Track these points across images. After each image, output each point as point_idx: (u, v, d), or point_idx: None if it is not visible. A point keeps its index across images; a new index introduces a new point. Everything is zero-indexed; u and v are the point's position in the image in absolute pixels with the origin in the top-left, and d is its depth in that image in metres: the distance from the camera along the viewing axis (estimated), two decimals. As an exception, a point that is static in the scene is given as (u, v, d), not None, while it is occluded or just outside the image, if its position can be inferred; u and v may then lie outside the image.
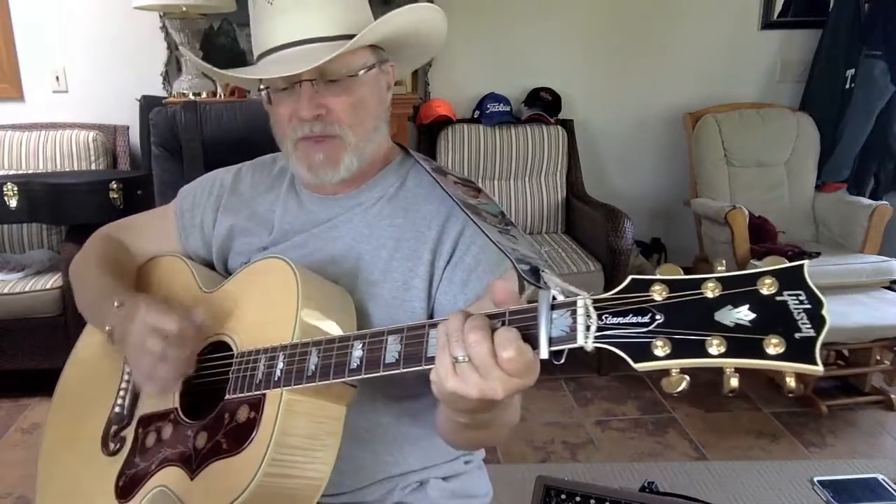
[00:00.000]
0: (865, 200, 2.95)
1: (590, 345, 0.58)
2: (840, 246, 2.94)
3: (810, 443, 2.31)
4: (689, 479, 2.08)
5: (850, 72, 3.12)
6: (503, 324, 0.64)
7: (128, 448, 0.92)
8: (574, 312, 0.60)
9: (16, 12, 3.05)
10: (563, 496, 1.42)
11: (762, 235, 2.79)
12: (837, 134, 3.16)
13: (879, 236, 2.79)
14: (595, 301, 0.59)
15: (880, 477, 2.06)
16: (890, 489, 2.00)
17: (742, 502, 1.99)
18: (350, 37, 0.88)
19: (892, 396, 2.53)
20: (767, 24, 3.39)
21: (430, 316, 0.93)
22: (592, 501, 1.41)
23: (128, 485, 0.89)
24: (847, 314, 2.33)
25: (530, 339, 0.62)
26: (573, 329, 0.59)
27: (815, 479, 2.05)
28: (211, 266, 1.09)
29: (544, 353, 0.61)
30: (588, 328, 0.58)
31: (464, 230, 0.93)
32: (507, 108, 3.21)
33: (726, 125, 3.14)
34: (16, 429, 2.43)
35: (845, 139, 3.15)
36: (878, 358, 2.55)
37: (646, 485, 1.66)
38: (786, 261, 0.53)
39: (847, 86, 3.14)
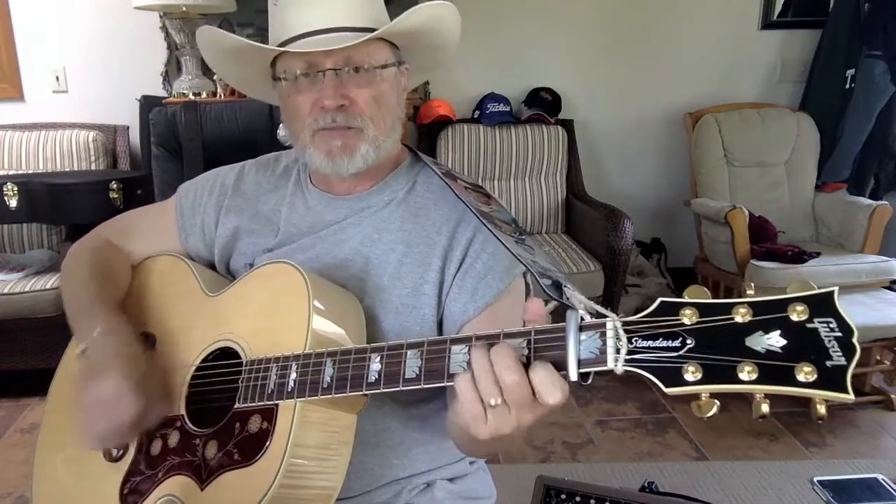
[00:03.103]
0: (865, 200, 2.94)
1: (620, 368, 0.58)
2: (840, 246, 2.94)
3: (810, 443, 2.31)
4: (689, 479, 2.08)
5: (850, 72, 3.12)
6: (528, 343, 0.63)
7: (131, 455, 0.90)
8: (603, 335, 0.59)
9: (16, 12, 3.05)
10: (563, 496, 1.42)
11: (762, 235, 2.79)
12: (837, 134, 3.16)
13: (879, 236, 2.79)
14: (625, 323, 0.58)
15: (880, 477, 2.06)
16: (890, 489, 2.00)
17: (742, 502, 1.99)
18: (373, 30, 0.88)
19: (892, 396, 2.53)
20: (767, 24, 3.39)
21: (440, 323, 0.92)
22: (592, 501, 1.41)
23: (133, 493, 0.87)
24: (847, 314, 2.32)
25: (558, 360, 0.61)
26: (603, 352, 0.59)
27: (815, 479, 2.05)
28: (211, 266, 1.07)
29: (573, 376, 0.60)
30: (618, 351, 0.58)
31: (474, 237, 0.92)
32: (507, 108, 3.20)
33: (726, 125, 3.14)
34: (16, 429, 2.43)
35: (845, 139, 3.15)
36: (878, 358, 2.55)
37: (646, 485, 1.67)
38: (814, 286, 0.53)
39: (847, 86, 3.14)
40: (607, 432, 2.40)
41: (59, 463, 0.99)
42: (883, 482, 2.04)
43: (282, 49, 0.90)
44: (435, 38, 0.96)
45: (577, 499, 1.41)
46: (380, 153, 0.93)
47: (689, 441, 2.33)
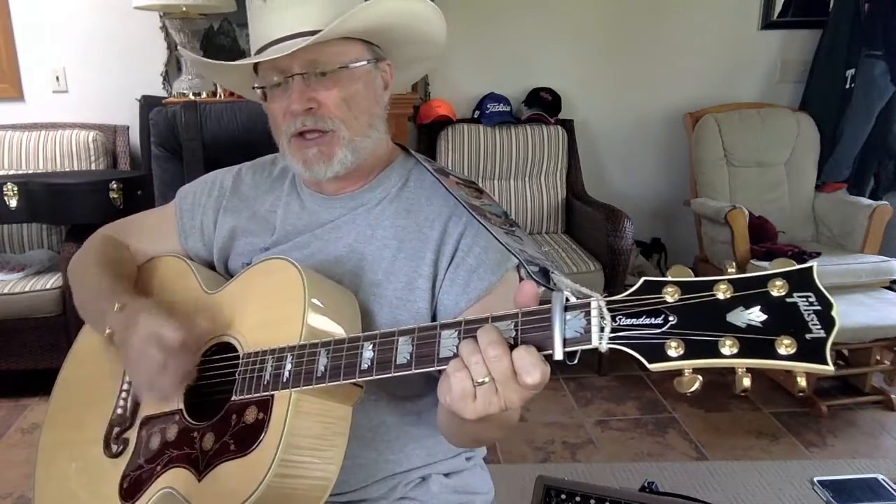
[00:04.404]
0: (865, 200, 2.94)
1: (604, 346, 0.59)
2: (840, 246, 2.94)
3: (810, 443, 2.31)
4: (689, 479, 2.08)
5: (850, 72, 3.12)
6: (516, 325, 0.64)
7: (131, 450, 0.92)
8: (588, 314, 0.60)
9: (16, 12, 3.05)
10: (563, 496, 1.42)
11: (762, 235, 2.79)
12: (837, 134, 3.16)
13: (879, 236, 2.79)
14: (609, 302, 0.60)
15: (880, 477, 2.06)
16: (890, 489, 2.00)
17: (742, 502, 1.99)
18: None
19: (892, 396, 2.53)
20: (767, 24, 3.39)
21: (434, 316, 0.93)
22: (592, 501, 1.40)
23: (132, 486, 0.88)
24: (847, 314, 2.33)
25: (544, 340, 0.62)
26: (587, 330, 0.60)
27: (815, 479, 2.05)
28: (211, 266, 1.08)
29: (559, 355, 0.61)
30: (602, 329, 0.59)
31: (465, 230, 0.93)
32: (507, 108, 3.20)
33: (726, 125, 3.14)
34: (16, 429, 2.43)
35: (845, 139, 3.15)
36: (878, 358, 2.55)
37: (646, 485, 1.66)
38: (794, 263, 0.54)
39: (847, 86, 3.14)
40: (607, 432, 2.40)
41: (61, 461, 1.00)
42: (883, 482, 2.04)
43: (236, 63, 0.93)
44: (406, 32, 0.95)
45: (577, 499, 1.41)
46: (358, 155, 0.93)
47: (689, 441, 2.33)
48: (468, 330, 0.67)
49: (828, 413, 2.45)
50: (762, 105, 3.28)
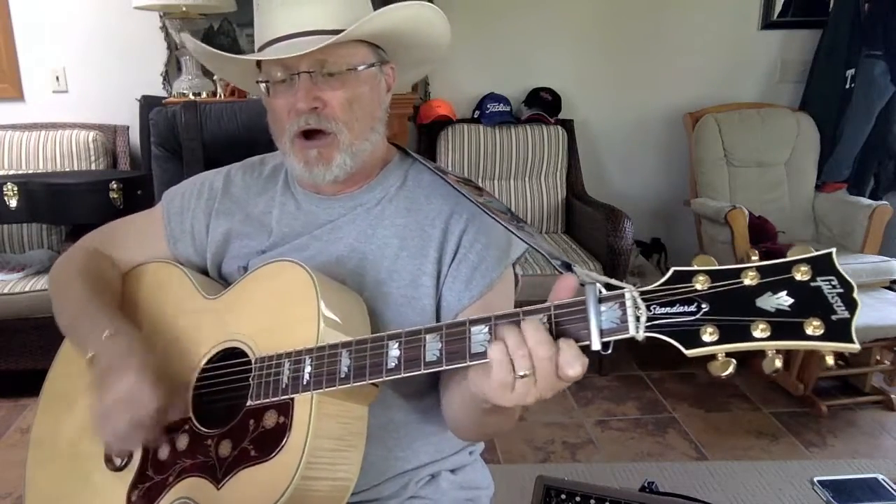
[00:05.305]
0: (865, 200, 2.94)
1: (641, 334, 0.61)
2: (840, 246, 2.93)
3: (810, 443, 2.31)
4: (689, 479, 2.08)
5: (850, 72, 3.12)
6: (549, 318, 0.66)
7: (137, 462, 0.90)
8: (622, 304, 0.62)
9: (16, 12, 3.05)
10: (563, 496, 1.42)
11: (762, 235, 2.79)
12: (837, 134, 3.16)
13: (879, 236, 2.79)
14: (642, 293, 0.61)
15: (880, 477, 2.06)
16: (890, 489, 2.00)
17: (742, 502, 1.99)
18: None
19: (892, 396, 2.53)
20: (767, 24, 3.39)
21: (437, 313, 0.94)
22: (592, 501, 1.41)
23: (142, 500, 0.87)
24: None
25: (579, 332, 0.64)
26: (623, 321, 0.62)
27: (815, 479, 2.05)
28: (201, 271, 1.06)
29: (596, 345, 0.63)
30: (638, 319, 0.61)
31: (467, 228, 0.93)
32: (507, 108, 3.21)
33: (726, 125, 3.14)
34: (16, 429, 2.43)
35: (845, 139, 3.15)
36: (878, 358, 2.55)
37: (646, 485, 1.66)
38: (813, 249, 0.58)
39: (847, 86, 3.14)
40: (607, 432, 2.40)
41: (57, 476, 0.98)
42: (883, 482, 2.04)
43: (244, 57, 0.92)
44: (414, 36, 0.95)
45: (577, 499, 1.41)
46: (356, 160, 0.93)
47: (689, 441, 2.33)
48: (500, 325, 0.68)
49: (828, 413, 2.45)
50: (762, 105, 3.28)
